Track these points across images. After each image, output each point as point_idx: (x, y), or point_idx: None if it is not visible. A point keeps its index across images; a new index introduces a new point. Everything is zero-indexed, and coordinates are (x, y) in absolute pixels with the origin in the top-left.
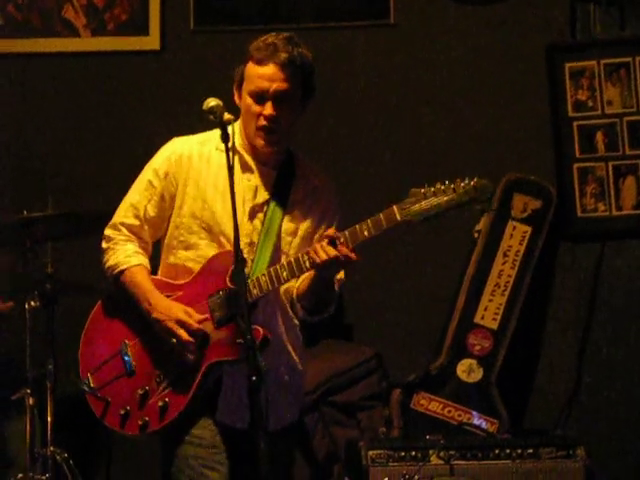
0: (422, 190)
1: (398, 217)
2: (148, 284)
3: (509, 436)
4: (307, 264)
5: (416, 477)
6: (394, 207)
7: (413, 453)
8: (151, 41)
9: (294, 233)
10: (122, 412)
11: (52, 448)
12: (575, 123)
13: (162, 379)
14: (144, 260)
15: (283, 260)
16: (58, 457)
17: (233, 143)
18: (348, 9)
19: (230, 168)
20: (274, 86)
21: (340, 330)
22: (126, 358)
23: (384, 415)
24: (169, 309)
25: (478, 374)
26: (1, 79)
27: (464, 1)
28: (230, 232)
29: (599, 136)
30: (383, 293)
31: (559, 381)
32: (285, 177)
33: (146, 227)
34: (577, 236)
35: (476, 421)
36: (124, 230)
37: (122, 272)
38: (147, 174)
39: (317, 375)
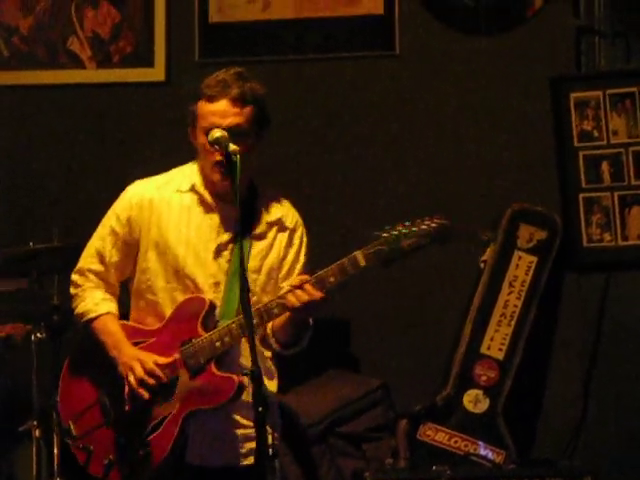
0: (384, 234)
1: (362, 263)
2: (116, 333)
3: (516, 466)
4: (276, 310)
5: None
6: (357, 253)
7: None
8: (156, 73)
9: (258, 271)
10: (105, 462)
11: (58, 479)
12: (581, 153)
13: (142, 428)
14: (113, 307)
15: (253, 304)
16: None
17: (192, 186)
18: (353, 40)
19: (236, 196)
20: (227, 121)
21: (346, 360)
22: (107, 408)
23: (391, 446)
24: (134, 354)
25: (484, 404)
26: (6, 111)
27: (469, 32)
28: (195, 275)
29: (605, 166)
30: (389, 323)
31: (566, 411)
32: (248, 213)
33: (112, 271)
34: (583, 266)
35: (482, 451)
36: (91, 276)
37: (91, 320)
38: (110, 219)
39: (323, 406)
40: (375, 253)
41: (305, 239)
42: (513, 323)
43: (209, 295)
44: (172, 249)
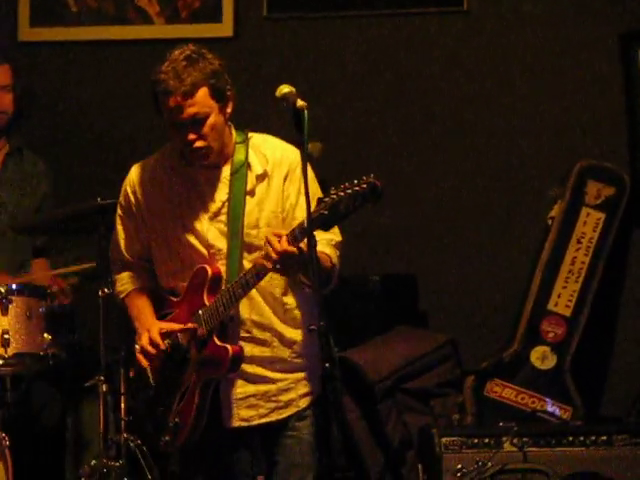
0: (325, 199)
1: (306, 227)
2: (137, 306)
3: (582, 423)
4: (256, 271)
5: (489, 464)
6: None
7: (486, 440)
8: (224, 28)
9: (256, 225)
10: (148, 430)
11: (125, 435)
12: None
13: (173, 399)
14: (138, 282)
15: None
16: (131, 444)
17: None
18: None
19: (304, 160)
20: (184, 114)
21: (414, 317)
22: (147, 377)
23: (457, 402)
24: (145, 327)
25: (552, 361)
26: (75, 66)
27: None
28: (194, 247)
29: None
30: (457, 280)
31: (633, 368)
32: (236, 171)
33: (135, 256)
34: None
35: (549, 408)
36: (117, 263)
37: (122, 300)
38: (118, 210)
39: (391, 362)
40: (318, 218)
41: (299, 179)
42: (580, 280)
43: (211, 262)
44: (167, 222)
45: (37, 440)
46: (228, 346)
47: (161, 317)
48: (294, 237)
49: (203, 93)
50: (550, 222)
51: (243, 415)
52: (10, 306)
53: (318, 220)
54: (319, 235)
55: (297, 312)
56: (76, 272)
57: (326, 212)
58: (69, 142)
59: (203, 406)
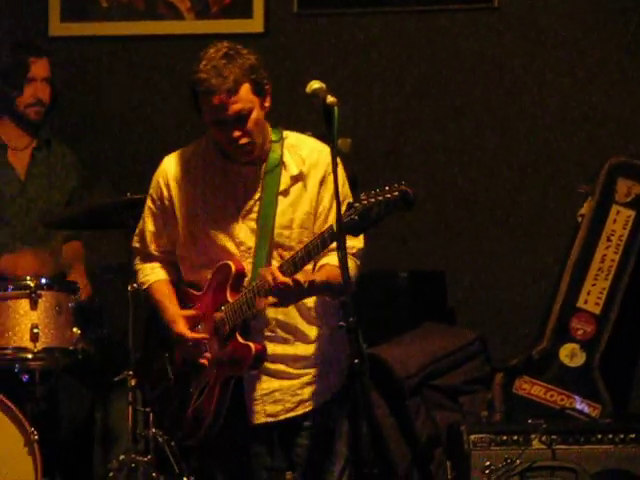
0: (356, 204)
1: (337, 232)
2: (163, 296)
3: (611, 421)
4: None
5: (518, 461)
6: (334, 225)
7: (515, 437)
8: (255, 24)
9: (289, 226)
10: (167, 421)
11: (154, 430)
12: None
13: (193, 391)
14: (161, 273)
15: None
16: (160, 439)
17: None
18: None
19: (334, 156)
20: (229, 112)
21: (442, 313)
22: (168, 368)
23: (486, 399)
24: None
25: (581, 358)
26: (106, 62)
27: None
28: (224, 243)
29: None
30: (486, 276)
31: None
32: (270, 170)
33: (160, 250)
34: None
35: (578, 405)
36: (139, 254)
37: (146, 290)
38: (147, 201)
39: (419, 358)
40: (348, 223)
41: (331, 181)
42: (610, 277)
43: (242, 261)
44: (199, 216)
45: (66, 435)
46: (251, 344)
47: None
48: (292, 266)
49: (245, 89)
50: (580, 219)
51: (270, 411)
52: (39, 300)
53: (348, 225)
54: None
55: (320, 309)
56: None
57: (356, 218)
58: (100, 136)
59: (223, 403)
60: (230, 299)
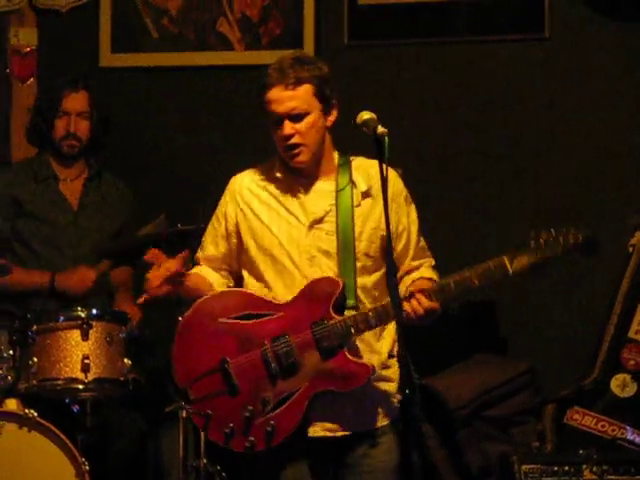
0: (532, 241)
1: (510, 270)
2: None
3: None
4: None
5: None
6: (504, 258)
7: (566, 468)
8: None
9: (358, 238)
10: (227, 430)
11: (205, 460)
12: None
13: (267, 402)
14: (217, 278)
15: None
16: (210, 469)
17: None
18: (503, 22)
19: (384, 182)
20: (283, 107)
21: (494, 344)
22: (230, 377)
23: (537, 430)
24: None
25: (632, 389)
26: (156, 92)
27: (620, 18)
28: (289, 256)
29: None
30: (537, 307)
31: None
32: (342, 189)
33: (218, 263)
34: None
35: (630, 436)
36: (200, 262)
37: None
38: (213, 217)
39: (470, 389)
40: (525, 262)
41: (409, 201)
42: None
43: (306, 271)
44: (267, 234)
45: (117, 466)
46: (368, 363)
47: (254, 317)
48: (436, 292)
49: (306, 89)
50: (631, 250)
51: (328, 425)
52: (90, 331)
53: (526, 263)
54: (420, 260)
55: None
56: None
57: (535, 256)
58: (150, 167)
59: (308, 415)
60: (335, 315)
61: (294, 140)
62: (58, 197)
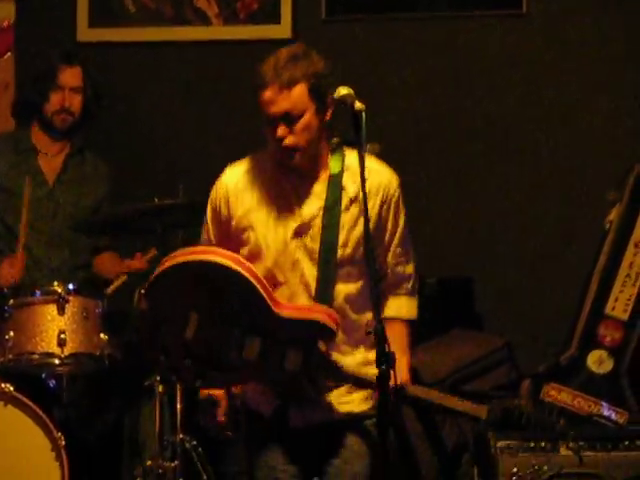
0: (515, 401)
1: (483, 418)
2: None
3: (639, 427)
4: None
5: (545, 467)
6: (482, 411)
7: (542, 444)
8: (283, 30)
9: (345, 244)
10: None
11: (181, 435)
12: None
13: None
14: None
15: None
16: (187, 444)
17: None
18: None
19: (362, 167)
20: (277, 108)
21: (470, 319)
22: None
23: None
24: None
25: (609, 365)
26: (133, 67)
27: None
28: (274, 257)
29: None
30: (514, 283)
31: None
32: (333, 185)
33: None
34: None
35: (606, 412)
36: None
37: None
38: (207, 209)
39: (447, 364)
40: (499, 415)
41: (401, 206)
42: (638, 284)
43: (287, 274)
44: (254, 231)
45: (93, 440)
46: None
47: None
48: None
49: (300, 90)
50: (608, 226)
51: (307, 415)
52: (67, 306)
53: (492, 419)
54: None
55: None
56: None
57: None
58: (128, 142)
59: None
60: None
61: (288, 141)
62: (34, 170)
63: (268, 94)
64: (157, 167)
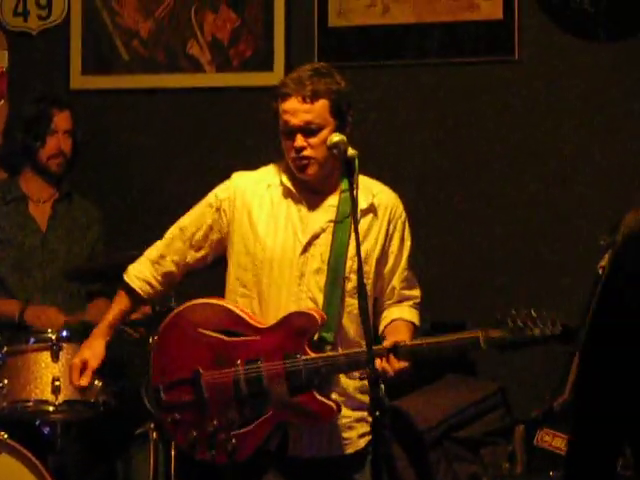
0: (509, 321)
1: (483, 346)
2: (111, 315)
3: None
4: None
5: None
6: (479, 334)
7: None
8: (275, 77)
9: (353, 257)
10: (191, 439)
11: None
12: None
13: (232, 421)
14: (143, 290)
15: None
16: None
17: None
18: (473, 45)
19: (354, 203)
20: (298, 119)
21: (464, 365)
22: (200, 389)
23: (507, 451)
24: (82, 349)
25: None
26: (126, 114)
27: (588, 38)
28: (281, 267)
29: None
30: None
31: None
32: (344, 199)
33: (191, 251)
34: None
35: None
36: (162, 247)
37: (123, 284)
38: (202, 204)
39: (440, 410)
40: (498, 339)
41: (407, 229)
42: None
43: (293, 287)
44: (261, 241)
45: None
46: (333, 405)
47: (232, 334)
48: (408, 354)
49: (322, 104)
50: (601, 271)
51: (311, 447)
52: (61, 353)
53: (497, 343)
54: (405, 291)
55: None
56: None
57: (509, 336)
58: (120, 189)
59: (268, 441)
60: (309, 352)
61: (305, 153)
62: (26, 219)
63: (290, 105)
64: (150, 213)
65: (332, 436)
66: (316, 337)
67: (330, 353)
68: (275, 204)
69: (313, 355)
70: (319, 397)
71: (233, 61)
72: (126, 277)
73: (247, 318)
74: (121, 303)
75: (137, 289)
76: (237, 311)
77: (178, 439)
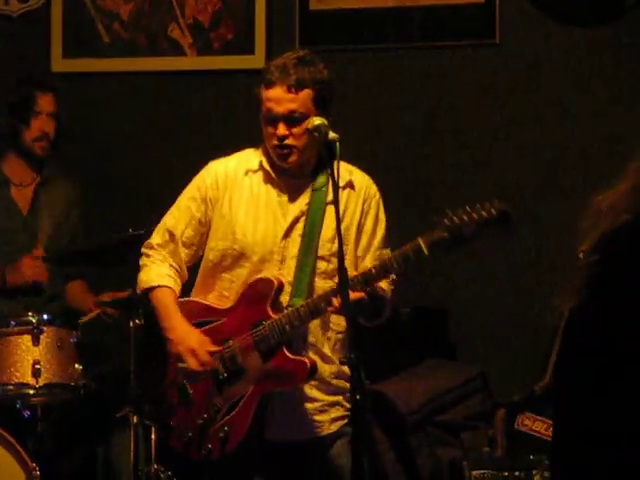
0: (445, 220)
1: (425, 251)
2: (172, 306)
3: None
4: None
5: None
6: (420, 240)
7: (517, 473)
8: (257, 60)
9: (332, 240)
10: (185, 439)
11: (156, 466)
12: None
13: (218, 409)
14: (173, 284)
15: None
16: (162, 475)
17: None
18: (454, 29)
19: (335, 186)
20: (282, 108)
21: (444, 349)
22: (183, 387)
23: (488, 435)
24: (185, 334)
25: None
26: (107, 97)
27: (568, 22)
28: (261, 251)
29: None
30: (488, 313)
31: None
32: (319, 184)
33: (182, 249)
34: None
35: None
36: (161, 251)
37: (151, 289)
38: (185, 199)
39: (421, 394)
40: (437, 241)
41: (382, 209)
42: None
43: (274, 271)
44: (241, 226)
45: (67, 471)
46: (306, 359)
47: (202, 324)
48: (363, 283)
49: (306, 94)
50: (581, 256)
51: (284, 430)
52: (41, 336)
53: (435, 242)
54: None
55: (341, 336)
56: (110, 301)
57: (445, 235)
58: (101, 172)
59: (256, 418)
60: (272, 315)
61: (287, 142)
62: (8, 203)
63: (274, 93)
64: (131, 197)
65: (304, 418)
66: (287, 304)
67: (290, 309)
68: (254, 190)
69: (275, 317)
70: (291, 356)
71: (214, 44)
72: (152, 284)
73: (214, 305)
74: (170, 295)
75: (167, 284)
76: (204, 301)
77: (174, 444)
